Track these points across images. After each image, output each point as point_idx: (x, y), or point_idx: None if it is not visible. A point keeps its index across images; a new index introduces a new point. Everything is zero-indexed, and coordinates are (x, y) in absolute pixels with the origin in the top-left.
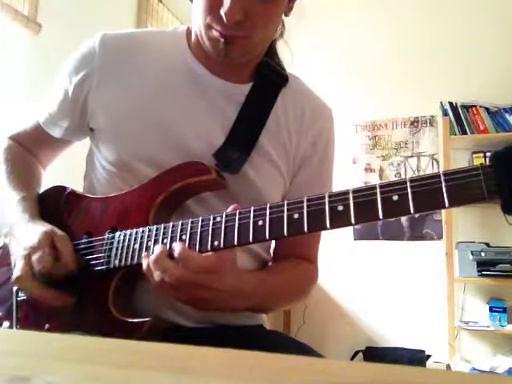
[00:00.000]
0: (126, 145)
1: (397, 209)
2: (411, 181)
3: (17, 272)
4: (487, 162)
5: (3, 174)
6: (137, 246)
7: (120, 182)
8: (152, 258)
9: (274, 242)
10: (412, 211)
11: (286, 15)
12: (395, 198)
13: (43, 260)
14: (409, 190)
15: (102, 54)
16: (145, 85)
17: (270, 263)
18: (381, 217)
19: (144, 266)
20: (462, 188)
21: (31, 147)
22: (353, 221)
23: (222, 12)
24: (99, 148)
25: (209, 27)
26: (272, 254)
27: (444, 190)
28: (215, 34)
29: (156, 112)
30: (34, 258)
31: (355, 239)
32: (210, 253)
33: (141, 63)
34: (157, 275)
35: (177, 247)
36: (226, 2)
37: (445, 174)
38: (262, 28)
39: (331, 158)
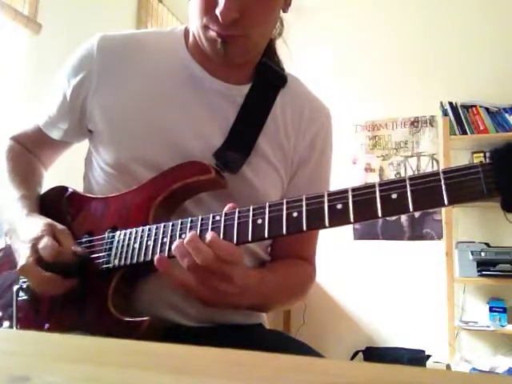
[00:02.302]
0: (124, 146)
1: (396, 207)
2: (410, 179)
3: (22, 261)
4: (487, 161)
5: (5, 174)
6: (136, 246)
7: (119, 183)
8: (187, 238)
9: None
10: (411, 209)
11: (285, 11)
12: (394, 196)
13: (49, 247)
14: (408, 188)
15: (100, 55)
16: (143, 86)
17: (269, 263)
18: (380, 215)
19: (174, 245)
20: (462, 185)
21: (32, 148)
22: (352, 219)
23: (218, 11)
24: (98, 150)
25: (206, 28)
26: (270, 255)
27: (443, 187)
28: (212, 34)
29: (154, 113)
30: (40, 246)
31: (355, 239)
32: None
33: (139, 64)
34: (187, 258)
35: (208, 235)
36: (221, 1)
37: (444, 172)
38: (259, 26)
39: (329, 158)
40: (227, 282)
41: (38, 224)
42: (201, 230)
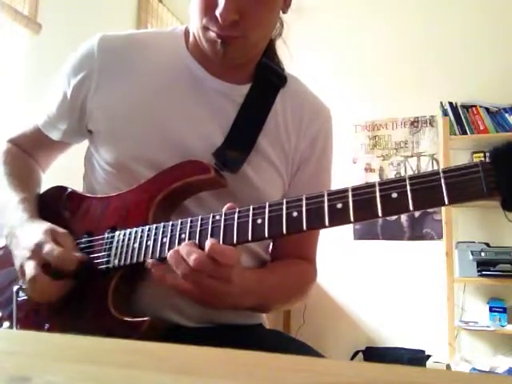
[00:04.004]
0: (124, 146)
1: (396, 206)
2: (410, 178)
3: (29, 273)
4: (487, 160)
5: (3, 176)
6: (136, 246)
7: (119, 183)
8: (183, 244)
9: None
10: (411, 208)
11: (284, 12)
12: (394, 195)
13: (54, 252)
14: (408, 187)
15: (101, 55)
16: (143, 86)
17: (269, 263)
18: (380, 214)
19: (171, 253)
20: (462, 185)
21: (30, 150)
22: (352, 218)
23: (217, 13)
24: (98, 149)
25: (205, 29)
26: (271, 255)
27: (443, 186)
28: (212, 35)
29: (155, 113)
30: (45, 251)
31: (355, 239)
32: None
33: (139, 64)
34: (183, 264)
35: (208, 241)
36: (221, 2)
37: (444, 171)
38: (259, 27)
39: (330, 158)
40: (225, 283)
41: (38, 230)
42: (201, 230)
